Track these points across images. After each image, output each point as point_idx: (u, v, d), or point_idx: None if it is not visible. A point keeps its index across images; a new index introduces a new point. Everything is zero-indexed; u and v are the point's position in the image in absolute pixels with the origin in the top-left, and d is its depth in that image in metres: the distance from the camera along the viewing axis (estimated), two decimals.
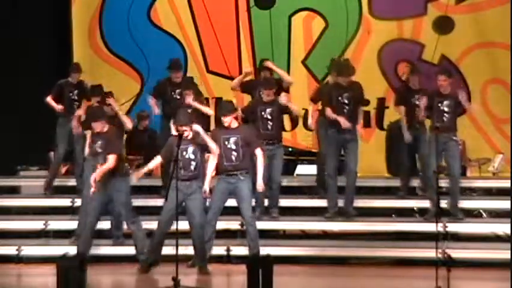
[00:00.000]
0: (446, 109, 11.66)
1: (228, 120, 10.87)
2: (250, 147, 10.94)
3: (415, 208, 12.59)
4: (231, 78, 14.44)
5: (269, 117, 11.84)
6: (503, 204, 12.31)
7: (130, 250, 11.52)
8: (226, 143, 10.89)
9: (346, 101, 12.11)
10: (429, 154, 11.59)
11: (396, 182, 12.93)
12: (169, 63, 12.71)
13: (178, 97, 12.46)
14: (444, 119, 11.63)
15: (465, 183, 12.78)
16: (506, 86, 13.93)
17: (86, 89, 12.85)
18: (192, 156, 10.71)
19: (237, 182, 10.93)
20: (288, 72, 14.43)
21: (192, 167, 10.72)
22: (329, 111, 11.73)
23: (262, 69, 12.59)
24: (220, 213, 11.08)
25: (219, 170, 11.18)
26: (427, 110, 11.75)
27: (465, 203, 12.36)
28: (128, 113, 14.46)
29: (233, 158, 10.95)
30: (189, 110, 11.53)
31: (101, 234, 11.99)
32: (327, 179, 11.83)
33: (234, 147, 10.93)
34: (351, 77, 11.85)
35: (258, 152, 10.99)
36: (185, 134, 10.55)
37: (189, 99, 11.91)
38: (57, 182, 12.84)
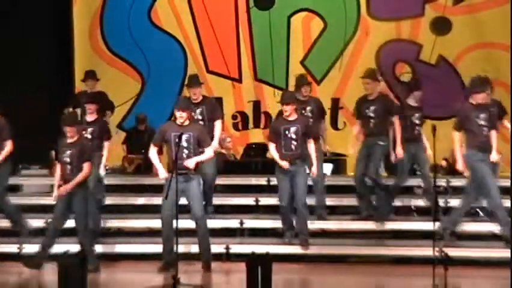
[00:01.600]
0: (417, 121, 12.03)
1: (184, 116, 10.72)
2: (201, 145, 10.87)
3: (413, 207, 12.66)
4: (231, 78, 14.91)
5: (294, 136, 11.41)
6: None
7: (129, 248, 11.77)
8: (177, 140, 10.59)
9: (484, 123, 11.47)
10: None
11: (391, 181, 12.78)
12: (187, 80, 12.33)
13: (200, 117, 11.95)
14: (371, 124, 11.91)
15: (464, 182, 12.48)
16: (505, 88, 13.98)
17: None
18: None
19: (187, 180, 10.83)
20: (287, 72, 14.69)
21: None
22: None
23: (302, 85, 12.25)
24: (174, 211, 10.55)
25: (171, 167, 10.86)
26: None
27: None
28: (128, 112, 14.90)
29: (184, 156, 10.83)
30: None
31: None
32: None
33: (185, 144, 10.77)
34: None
35: (208, 149, 10.97)
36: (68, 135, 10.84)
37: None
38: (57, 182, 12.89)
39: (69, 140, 10.90)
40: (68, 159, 10.85)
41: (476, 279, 10.74)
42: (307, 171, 11.57)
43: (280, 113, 11.65)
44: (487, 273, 10.95)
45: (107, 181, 13.21)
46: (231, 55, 14.99)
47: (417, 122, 12.03)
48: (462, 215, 11.51)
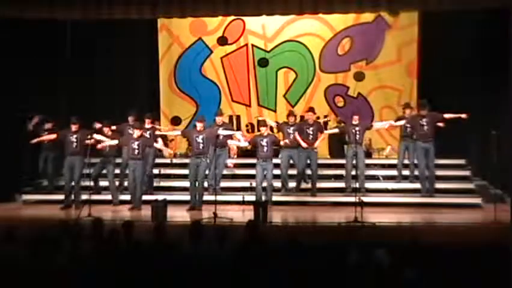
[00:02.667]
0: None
1: (200, 126, 11.48)
2: (211, 141, 11.56)
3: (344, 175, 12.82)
4: (245, 104, 14.83)
5: (265, 144, 11.53)
6: (391, 172, 12.94)
7: (183, 197, 11.83)
8: (197, 138, 11.41)
9: (424, 124, 11.65)
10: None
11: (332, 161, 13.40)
12: (218, 111, 12.73)
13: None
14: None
15: (370, 161, 13.24)
16: (392, 109, 14.12)
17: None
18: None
19: (200, 161, 11.36)
20: (275, 101, 14.64)
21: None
22: None
23: (290, 115, 12.41)
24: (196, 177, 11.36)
25: (191, 153, 11.56)
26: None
27: (371, 172, 12.93)
28: (189, 123, 14.68)
29: (200, 147, 11.39)
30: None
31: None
32: None
33: (201, 141, 11.40)
34: None
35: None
36: None
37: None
38: None
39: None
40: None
41: (381, 213, 11.02)
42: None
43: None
44: (387, 210, 11.42)
45: (179, 160, 13.63)
46: (245, 91, 14.90)
47: (357, 132, 12.15)
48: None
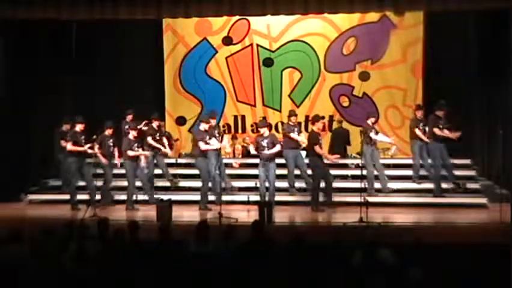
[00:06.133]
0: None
1: (206, 127, 11.69)
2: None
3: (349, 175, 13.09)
4: (250, 104, 14.80)
5: (266, 145, 11.50)
6: (396, 172, 12.96)
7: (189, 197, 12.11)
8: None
9: (442, 126, 11.78)
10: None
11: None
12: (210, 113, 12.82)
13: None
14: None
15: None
16: (398, 109, 14.20)
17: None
18: None
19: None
20: (281, 100, 14.59)
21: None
22: None
23: (291, 116, 12.27)
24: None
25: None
26: None
27: (375, 172, 12.54)
28: (194, 122, 14.50)
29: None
30: None
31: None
32: None
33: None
34: None
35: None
36: None
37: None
38: None
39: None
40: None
41: (385, 213, 11.02)
42: None
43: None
44: (391, 209, 11.37)
45: (184, 160, 13.57)
46: (250, 91, 14.88)
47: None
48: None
